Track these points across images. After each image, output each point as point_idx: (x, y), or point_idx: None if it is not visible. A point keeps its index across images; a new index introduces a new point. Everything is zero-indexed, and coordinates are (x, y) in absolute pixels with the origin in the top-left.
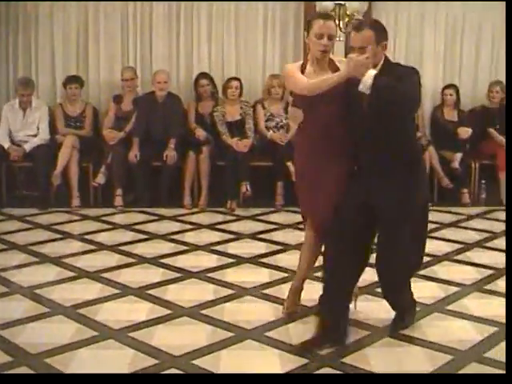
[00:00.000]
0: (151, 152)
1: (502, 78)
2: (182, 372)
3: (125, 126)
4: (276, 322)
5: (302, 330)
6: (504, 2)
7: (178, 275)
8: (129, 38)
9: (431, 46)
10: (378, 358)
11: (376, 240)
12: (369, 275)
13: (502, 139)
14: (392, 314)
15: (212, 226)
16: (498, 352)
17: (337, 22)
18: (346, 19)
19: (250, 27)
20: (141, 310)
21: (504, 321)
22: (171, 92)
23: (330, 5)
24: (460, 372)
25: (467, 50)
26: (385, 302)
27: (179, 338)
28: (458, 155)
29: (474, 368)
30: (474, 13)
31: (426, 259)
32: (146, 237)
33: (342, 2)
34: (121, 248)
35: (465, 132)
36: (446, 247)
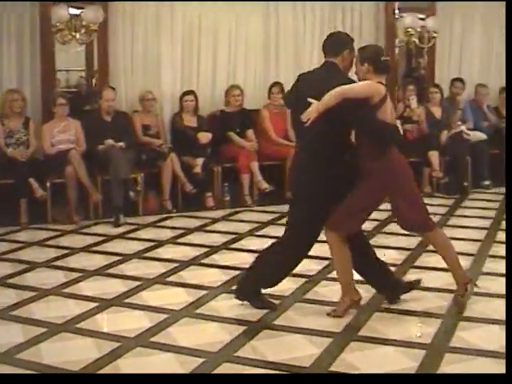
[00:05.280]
0: None
1: (240, 81)
2: None
3: None
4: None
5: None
6: None
7: None
8: None
9: (168, 53)
10: (129, 368)
11: None
12: None
13: (241, 141)
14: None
15: None
16: (248, 350)
17: (73, 33)
18: (83, 30)
19: None
20: None
21: (251, 319)
22: None
23: (65, 15)
24: (214, 372)
25: (204, 55)
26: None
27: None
28: (200, 160)
29: (226, 368)
30: (209, 17)
31: (172, 265)
32: None
33: (78, 12)
34: None
35: (205, 137)
36: (192, 252)
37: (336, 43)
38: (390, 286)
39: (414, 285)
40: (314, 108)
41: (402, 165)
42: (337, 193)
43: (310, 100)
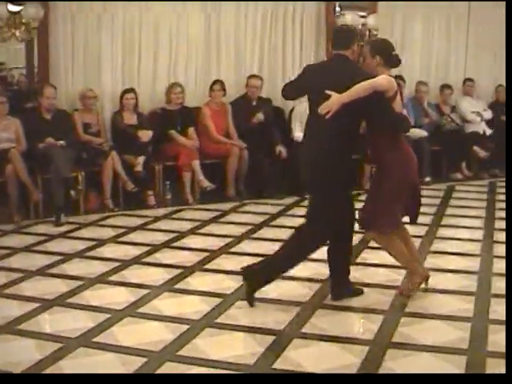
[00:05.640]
0: None
1: (181, 79)
2: None
3: None
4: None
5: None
6: None
7: None
8: None
9: (109, 50)
10: (71, 369)
11: None
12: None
13: (182, 139)
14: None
15: None
16: (191, 349)
17: (13, 30)
18: (23, 27)
19: None
20: None
21: (194, 317)
22: None
23: (5, 12)
24: (156, 372)
25: (145, 53)
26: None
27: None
28: (141, 158)
29: (168, 367)
30: (150, 15)
31: (114, 264)
32: None
33: (17, 9)
34: None
35: (145, 135)
36: (134, 251)
37: (346, 36)
38: (343, 280)
39: (358, 291)
40: (336, 100)
41: (412, 158)
42: (342, 189)
43: (328, 92)
